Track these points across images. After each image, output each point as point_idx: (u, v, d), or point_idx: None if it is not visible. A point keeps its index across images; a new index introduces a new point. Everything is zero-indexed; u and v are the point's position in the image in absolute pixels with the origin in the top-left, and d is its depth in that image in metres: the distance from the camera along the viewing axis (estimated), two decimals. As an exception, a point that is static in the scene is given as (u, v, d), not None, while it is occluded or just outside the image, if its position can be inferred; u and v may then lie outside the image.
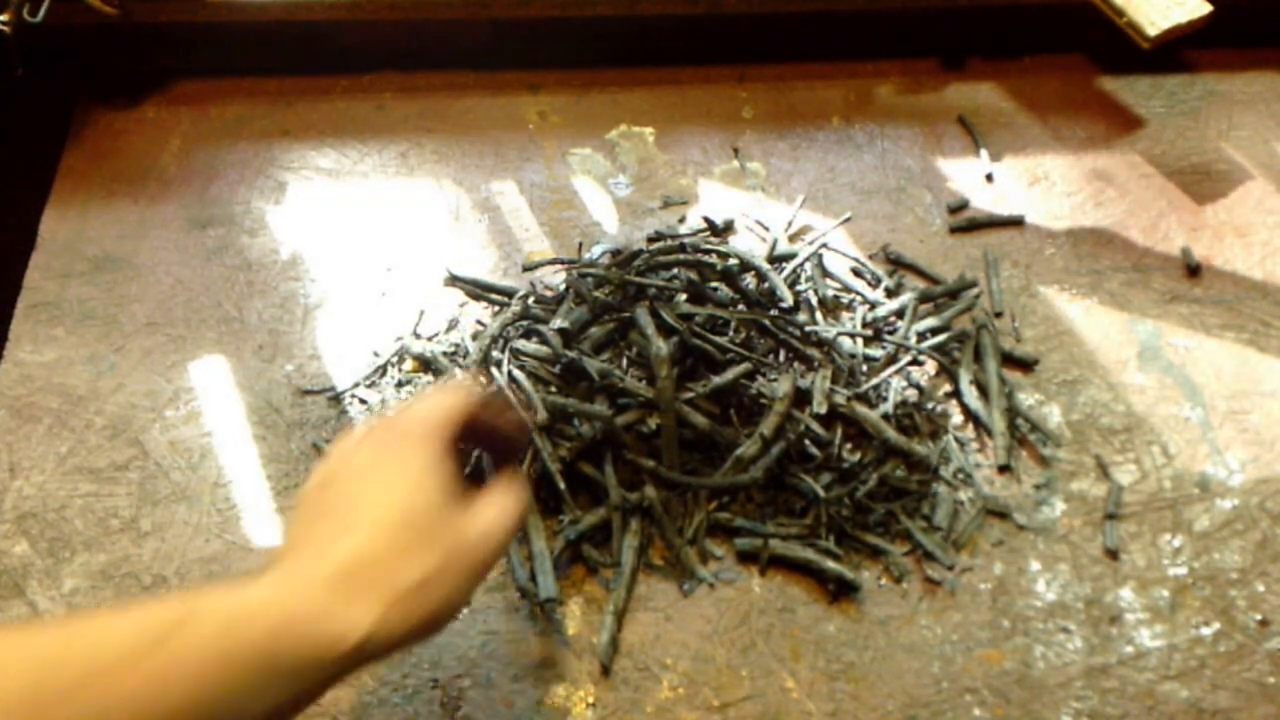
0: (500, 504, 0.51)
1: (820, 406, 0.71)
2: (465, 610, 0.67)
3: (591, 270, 0.79)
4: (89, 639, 0.38)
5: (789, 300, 0.78)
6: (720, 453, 0.71)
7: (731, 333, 0.76)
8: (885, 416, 0.74)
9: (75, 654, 0.37)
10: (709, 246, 0.83)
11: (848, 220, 0.90)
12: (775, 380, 0.74)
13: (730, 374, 0.72)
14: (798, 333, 0.77)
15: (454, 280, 0.84)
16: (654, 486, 0.69)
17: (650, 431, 0.70)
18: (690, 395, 0.71)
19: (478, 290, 0.83)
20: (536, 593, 0.66)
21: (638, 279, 0.76)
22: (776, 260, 0.84)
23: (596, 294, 0.76)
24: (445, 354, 0.78)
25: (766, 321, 0.76)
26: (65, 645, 0.38)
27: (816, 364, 0.75)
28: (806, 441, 0.71)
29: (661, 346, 0.69)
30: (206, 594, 0.42)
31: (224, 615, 0.41)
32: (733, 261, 0.81)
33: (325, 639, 0.42)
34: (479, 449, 0.61)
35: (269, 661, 0.41)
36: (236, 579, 0.47)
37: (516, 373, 0.73)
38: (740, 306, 0.77)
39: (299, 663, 0.41)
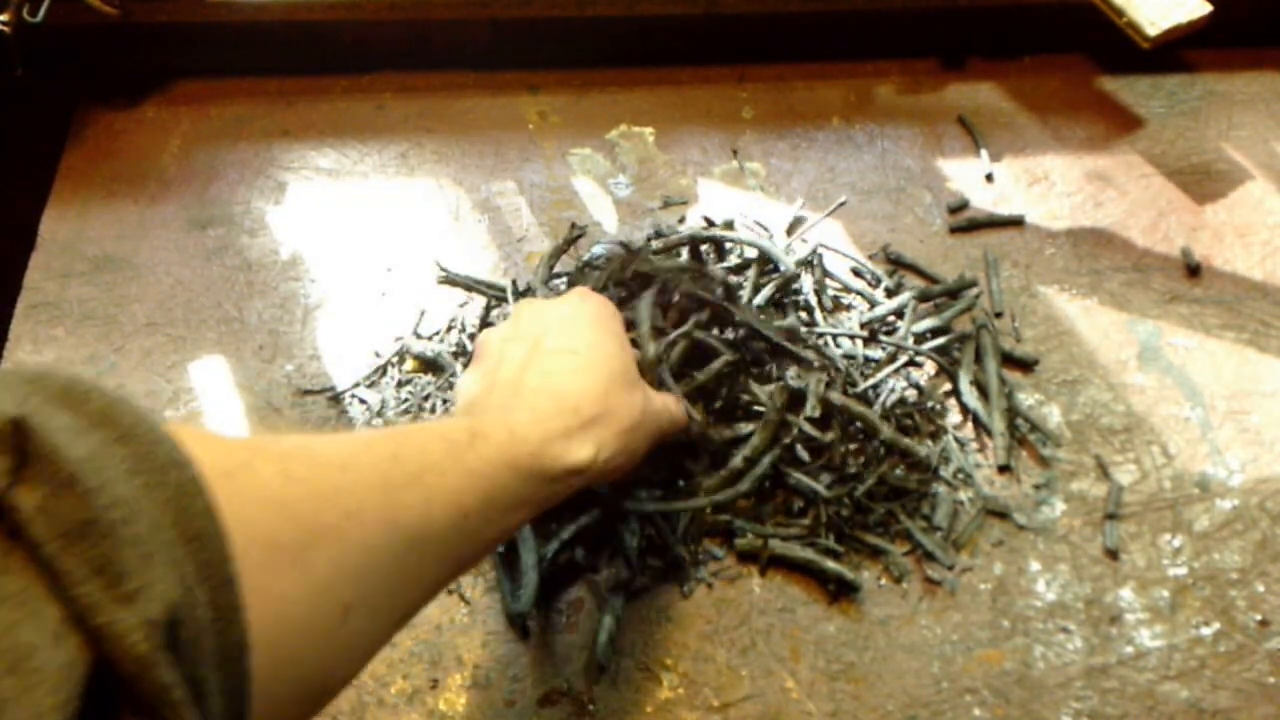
0: (672, 399, 0.65)
1: (814, 410, 0.71)
2: (465, 609, 0.67)
3: (597, 264, 0.78)
4: (417, 444, 0.47)
5: (795, 289, 0.78)
6: (712, 455, 0.71)
7: (729, 330, 0.76)
8: (885, 416, 0.73)
9: (411, 453, 0.46)
10: (717, 235, 0.83)
11: (843, 204, 0.90)
12: (771, 381, 0.74)
13: (715, 365, 0.71)
14: (795, 334, 0.77)
15: (447, 278, 0.84)
16: (646, 488, 0.69)
17: None
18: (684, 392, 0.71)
19: (470, 286, 0.84)
20: (519, 608, 0.66)
21: (644, 268, 0.76)
22: (769, 270, 0.83)
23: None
24: (448, 353, 0.78)
25: (768, 330, 0.76)
26: (401, 445, 0.46)
27: (814, 365, 0.75)
28: (799, 447, 0.71)
29: (649, 349, 0.69)
30: (483, 416, 0.53)
31: (506, 433, 0.51)
32: (734, 260, 0.81)
33: (568, 458, 0.53)
34: None
35: (534, 470, 0.51)
36: (494, 405, 0.55)
37: None
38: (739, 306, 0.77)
39: (553, 474, 0.52)
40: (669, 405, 0.63)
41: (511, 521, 0.51)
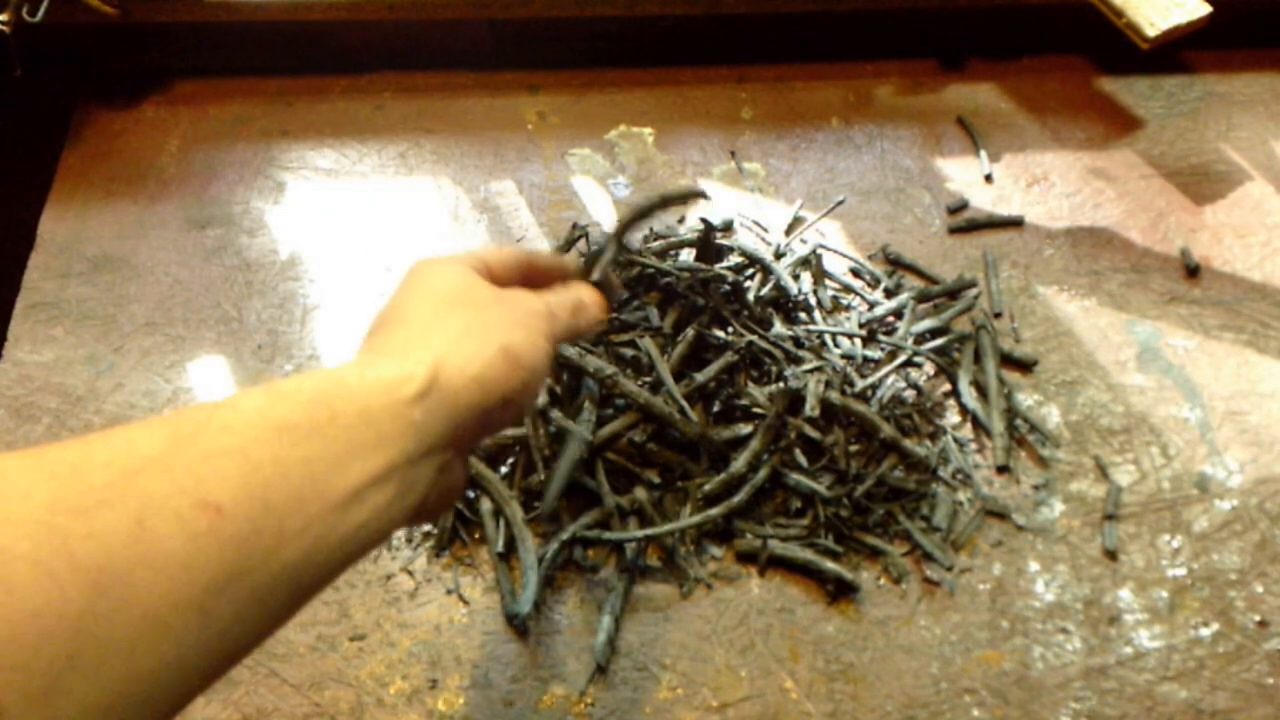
0: (566, 290, 0.52)
1: (813, 410, 0.71)
2: (465, 609, 0.67)
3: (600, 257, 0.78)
4: (113, 446, 0.33)
5: (794, 290, 0.78)
6: (711, 455, 0.71)
7: (729, 331, 0.76)
8: (884, 417, 0.73)
9: (97, 463, 0.32)
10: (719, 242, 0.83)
11: (841, 203, 0.90)
12: (770, 382, 0.74)
13: (713, 368, 0.72)
14: (793, 334, 0.77)
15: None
16: (645, 489, 0.69)
17: (642, 439, 0.70)
18: (683, 394, 0.71)
19: None
20: (519, 608, 0.66)
21: (650, 262, 0.76)
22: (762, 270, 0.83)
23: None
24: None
25: (769, 334, 0.76)
26: (83, 457, 0.32)
27: (813, 366, 0.75)
28: (797, 451, 0.71)
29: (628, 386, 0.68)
30: (237, 392, 0.38)
31: (261, 395, 0.37)
32: (736, 261, 0.81)
33: (376, 386, 0.39)
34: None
35: (321, 423, 0.36)
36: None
37: None
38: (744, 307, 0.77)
39: (358, 418, 0.37)
40: (561, 296, 0.50)
41: (330, 500, 0.36)
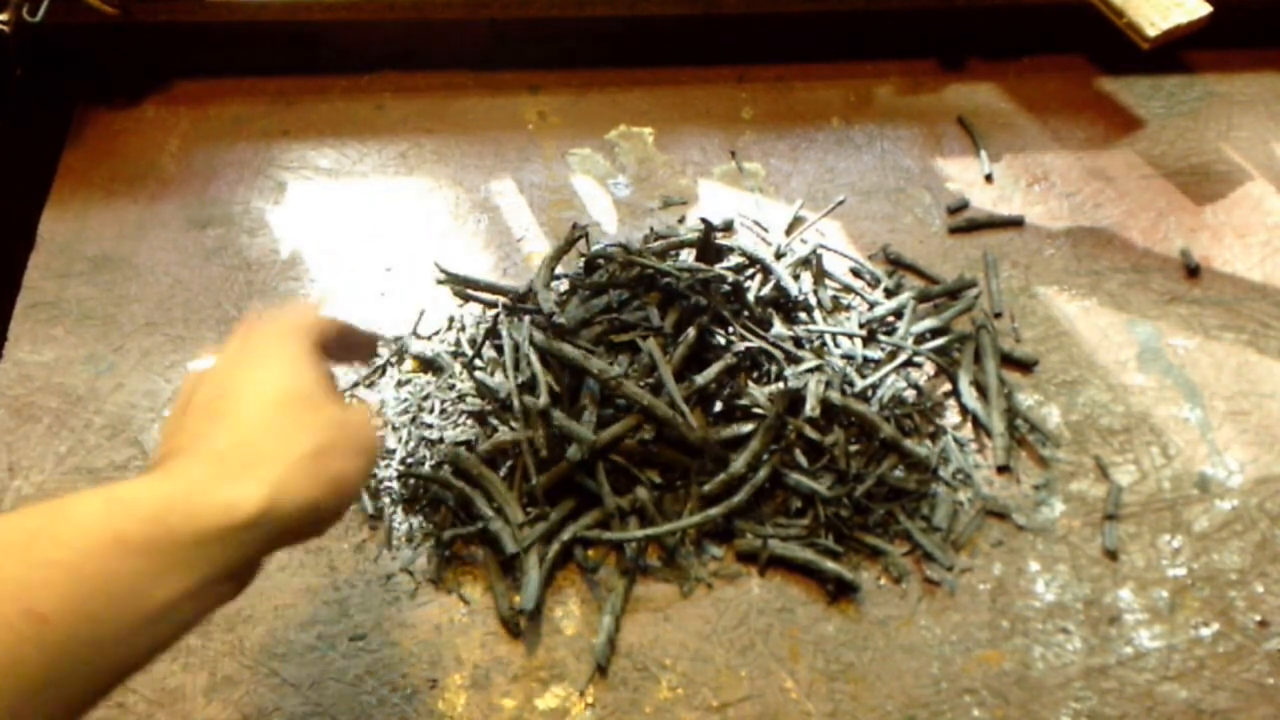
0: (363, 409, 0.51)
1: (813, 410, 0.71)
2: (465, 609, 0.67)
3: (603, 253, 0.79)
4: None
5: (794, 290, 0.78)
6: (712, 458, 0.71)
7: (729, 333, 0.76)
8: (885, 417, 0.73)
9: None
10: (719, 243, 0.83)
11: (841, 203, 0.90)
12: (770, 382, 0.74)
13: (713, 370, 0.72)
14: (793, 334, 0.77)
15: (446, 279, 0.84)
16: (646, 489, 0.69)
17: (646, 439, 0.70)
18: (684, 396, 0.71)
19: (469, 288, 0.84)
20: (519, 608, 0.66)
21: (650, 262, 0.76)
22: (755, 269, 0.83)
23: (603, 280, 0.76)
24: (447, 353, 0.78)
25: (769, 336, 0.76)
26: None
27: (813, 366, 0.75)
28: (797, 451, 0.71)
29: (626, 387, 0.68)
30: (77, 495, 0.39)
31: (101, 503, 0.38)
32: (736, 261, 0.81)
33: (215, 509, 0.39)
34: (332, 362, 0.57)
35: (156, 539, 0.38)
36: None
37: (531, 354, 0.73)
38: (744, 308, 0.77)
39: (192, 537, 0.39)
40: (367, 417, 0.50)
41: (146, 612, 0.37)
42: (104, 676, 0.37)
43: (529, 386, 0.72)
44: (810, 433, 0.72)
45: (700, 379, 0.71)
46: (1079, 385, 0.80)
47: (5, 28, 0.85)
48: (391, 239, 0.88)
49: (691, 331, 0.73)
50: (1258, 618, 0.68)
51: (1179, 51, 1.03)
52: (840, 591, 0.68)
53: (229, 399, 0.45)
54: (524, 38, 1.00)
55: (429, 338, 0.81)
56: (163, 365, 0.79)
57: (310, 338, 0.49)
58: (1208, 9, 0.92)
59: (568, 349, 0.71)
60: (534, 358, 0.72)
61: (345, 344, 0.54)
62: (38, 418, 0.76)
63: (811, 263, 0.83)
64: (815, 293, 0.82)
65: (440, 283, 0.85)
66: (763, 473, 0.70)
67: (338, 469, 0.44)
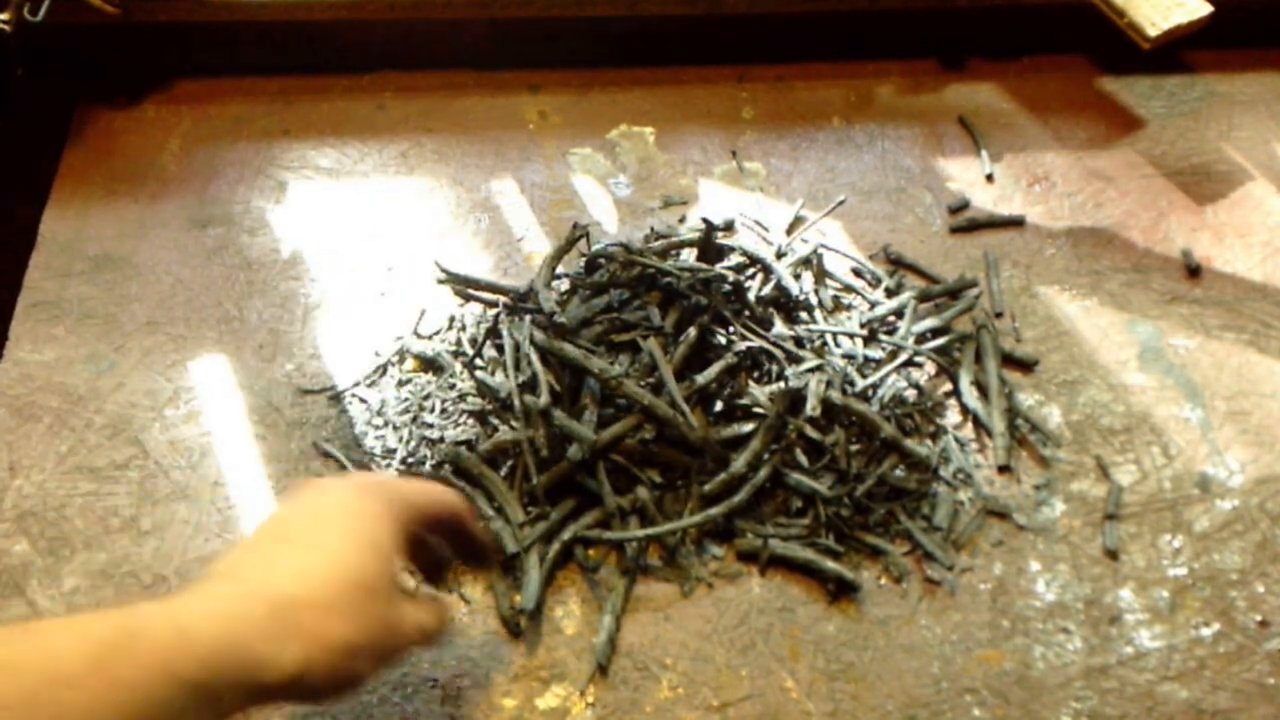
0: (432, 611, 0.53)
1: (814, 410, 0.71)
2: (466, 608, 0.67)
3: (604, 253, 0.79)
4: (46, 650, 0.39)
5: (795, 290, 0.78)
6: (713, 458, 0.71)
7: (730, 333, 0.76)
8: (886, 416, 0.74)
9: (33, 664, 0.38)
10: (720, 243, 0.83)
11: (842, 203, 0.90)
12: (771, 381, 0.74)
13: (713, 370, 0.72)
14: (794, 334, 0.77)
15: (447, 279, 0.84)
16: (647, 488, 0.69)
17: (647, 439, 0.70)
18: (684, 396, 0.71)
19: (469, 288, 0.84)
20: (520, 608, 0.66)
21: (651, 262, 0.76)
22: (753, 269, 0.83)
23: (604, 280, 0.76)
24: (447, 352, 0.78)
25: (769, 335, 0.76)
26: (23, 655, 0.38)
27: (813, 366, 0.75)
28: (798, 451, 0.71)
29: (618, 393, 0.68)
30: (150, 610, 0.43)
31: (172, 634, 0.42)
32: (737, 260, 0.81)
33: (256, 668, 0.43)
34: (444, 542, 0.59)
35: (207, 681, 0.41)
36: (182, 591, 0.46)
37: (532, 355, 0.73)
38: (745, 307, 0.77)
39: (231, 686, 0.42)
40: (423, 618, 0.52)
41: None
42: None
43: (529, 386, 0.72)
44: (811, 432, 0.72)
45: (701, 379, 0.71)
46: (1080, 385, 0.80)
47: (6, 27, 0.85)
48: (392, 238, 0.88)
49: (692, 331, 0.73)
50: (1258, 618, 0.68)
51: (1180, 51, 1.03)
52: (841, 591, 0.68)
53: (309, 552, 0.48)
54: (524, 37, 1.00)
55: (430, 337, 0.81)
56: (164, 365, 0.79)
57: (414, 519, 0.53)
58: (1208, 9, 0.92)
59: (568, 348, 0.71)
60: (534, 357, 0.72)
61: (454, 532, 0.57)
62: (38, 417, 0.76)
63: (812, 262, 0.83)
64: (816, 292, 0.82)
65: (441, 282, 0.85)
66: (763, 472, 0.70)
67: (357, 669, 0.47)
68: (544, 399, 0.69)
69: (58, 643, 0.40)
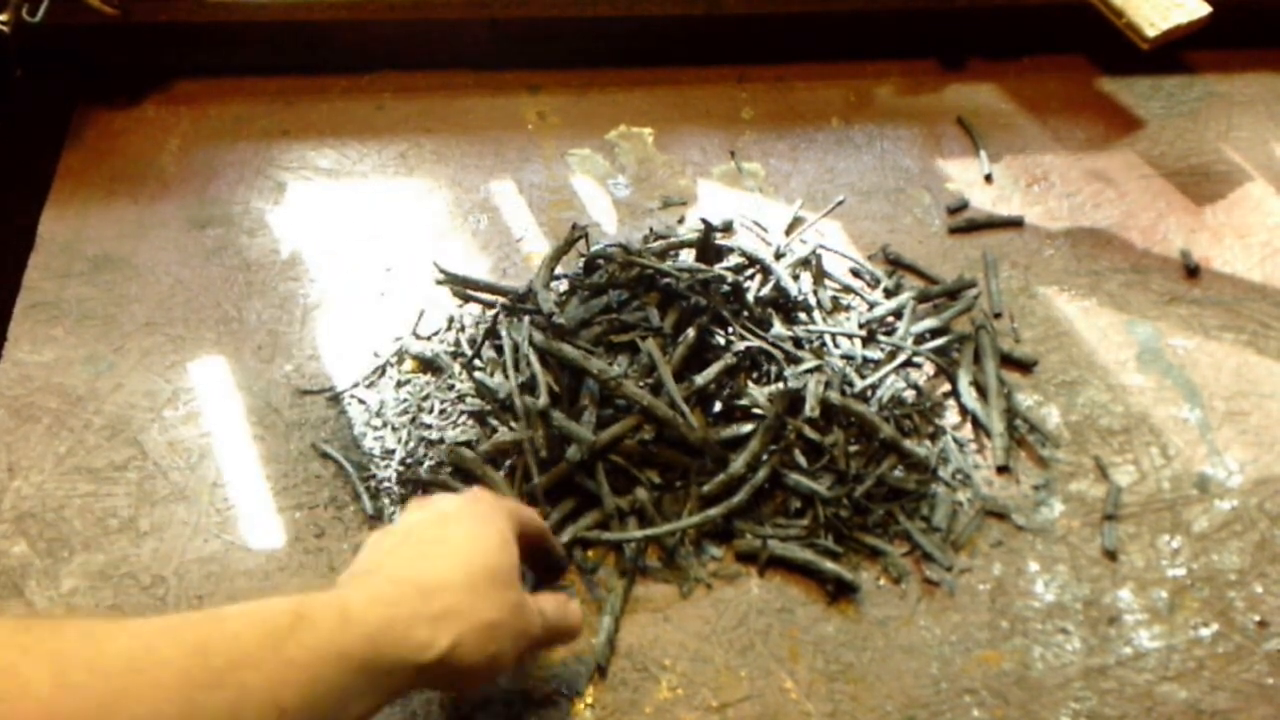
0: (559, 604, 0.58)
1: (813, 411, 0.71)
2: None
3: (603, 254, 0.79)
4: (230, 631, 0.42)
5: (794, 290, 0.78)
6: (712, 458, 0.71)
7: (729, 333, 0.76)
8: (885, 417, 0.74)
9: (219, 645, 0.41)
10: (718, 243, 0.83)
11: (841, 203, 0.90)
12: (770, 382, 0.74)
13: (712, 370, 0.72)
14: (792, 335, 0.77)
15: (446, 277, 0.84)
16: (645, 489, 0.69)
17: (646, 439, 0.70)
18: (684, 396, 0.71)
19: (468, 288, 0.83)
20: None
21: (650, 263, 0.76)
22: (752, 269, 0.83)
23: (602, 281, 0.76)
24: (446, 353, 0.78)
25: (768, 335, 0.76)
26: (209, 637, 0.41)
27: (812, 366, 0.75)
28: (797, 451, 0.71)
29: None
30: (316, 597, 0.46)
31: (336, 615, 0.45)
32: (735, 260, 0.81)
33: (414, 647, 0.47)
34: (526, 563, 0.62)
35: (373, 661, 0.45)
36: (333, 583, 0.51)
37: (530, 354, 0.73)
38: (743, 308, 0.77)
39: (391, 665, 0.46)
40: (553, 611, 0.57)
41: (346, 718, 0.45)
42: None
43: (529, 387, 0.72)
44: (810, 433, 0.72)
45: (700, 379, 0.71)
46: (1078, 385, 0.80)
47: (5, 28, 0.85)
48: (391, 239, 0.88)
49: (691, 332, 0.73)
50: (1257, 618, 0.68)
51: (1179, 52, 1.03)
52: (840, 592, 0.68)
53: (445, 545, 0.52)
54: (524, 37, 1.00)
55: (428, 338, 0.81)
56: (163, 365, 0.79)
57: (520, 529, 0.57)
58: (1207, 9, 0.92)
59: (567, 349, 0.71)
60: (534, 358, 0.72)
61: (536, 549, 0.61)
62: (37, 418, 0.76)
63: (811, 263, 0.84)
64: (815, 293, 0.82)
65: (440, 283, 0.85)
66: (762, 473, 0.70)
67: (499, 647, 0.51)
68: (543, 400, 0.69)
69: (239, 627, 0.43)
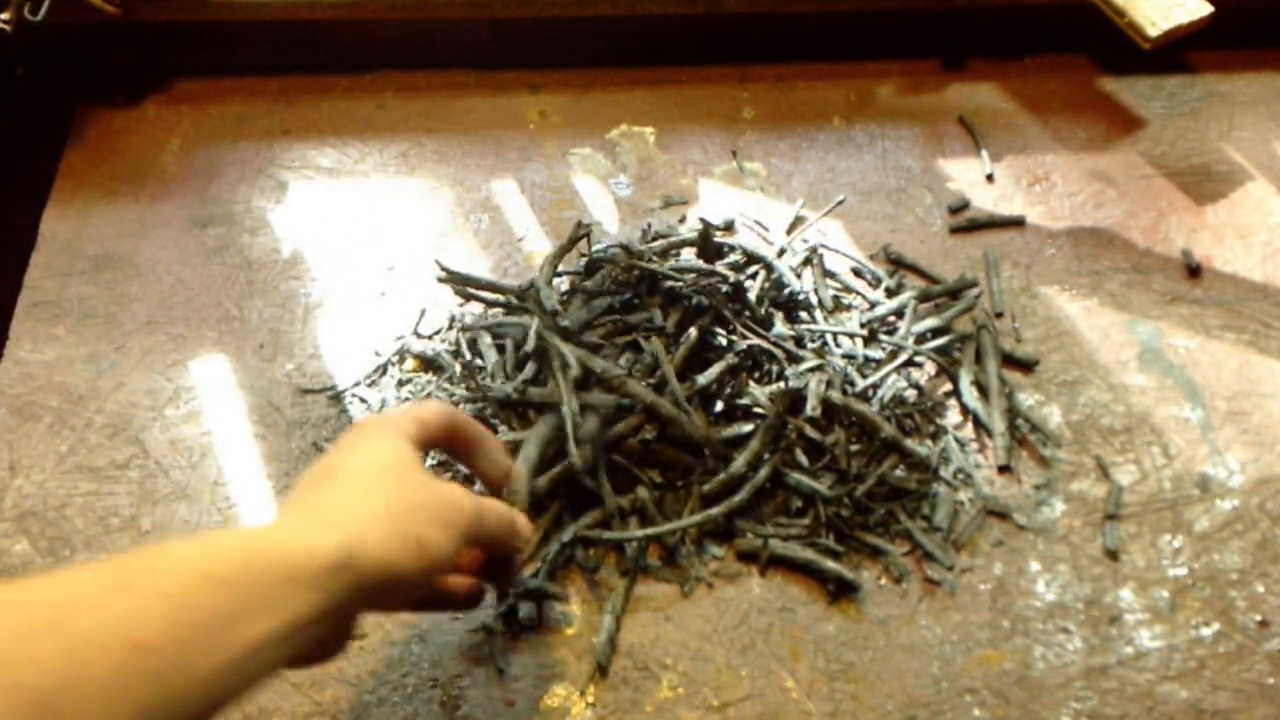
0: (490, 502, 0.54)
1: (814, 410, 0.71)
2: (448, 612, 0.67)
3: (604, 257, 0.79)
4: (57, 582, 0.38)
5: (795, 287, 0.78)
6: (714, 456, 0.71)
7: (730, 333, 0.76)
8: (886, 417, 0.74)
9: (41, 597, 0.37)
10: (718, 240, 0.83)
11: (841, 203, 0.90)
12: (772, 381, 0.74)
13: (714, 370, 0.72)
14: (794, 335, 0.77)
15: (448, 276, 0.84)
16: (647, 488, 0.69)
17: (649, 438, 0.70)
18: (687, 395, 0.71)
19: (469, 287, 0.83)
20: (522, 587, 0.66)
21: (651, 265, 0.76)
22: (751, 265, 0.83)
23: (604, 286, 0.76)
24: (447, 352, 0.78)
25: (769, 334, 0.76)
26: (29, 590, 0.38)
27: (813, 366, 0.75)
28: (798, 451, 0.71)
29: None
30: (174, 540, 0.43)
31: (196, 545, 0.42)
32: (736, 258, 0.81)
33: (296, 553, 0.42)
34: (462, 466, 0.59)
35: (245, 579, 0.41)
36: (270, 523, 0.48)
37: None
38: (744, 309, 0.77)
39: (275, 578, 0.41)
40: (492, 502, 0.54)
41: (238, 647, 0.39)
42: (201, 711, 0.39)
43: (529, 387, 0.72)
44: (811, 432, 0.72)
45: (702, 379, 0.71)
46: (1080, 385, 0.80)
47: (6, 27, 0.85)
48: (392, 238, 0.88)
49: (693, 332, 0.73)
50: (1258, 618, 0.68)
51: (1180, 51, 1.03)
52: (841, 591, 0.68)
53: (330, 471, 0.49)
54: (525, 37, 1.00)
55: (430, 337, 0.81)
56: (164, 364, 0.79)
57: (421, 428, 0.53)
58: (1209, 9, 0.92)
59: (571, 349, 0.71)
60: (554, 340, 0.71)
61: (456, 437, 0.57)
62: (39, 417, 0.76)
63: (812, 262, 0.84)
64: (816, 292, 0.82)
65: (441, 281, 0.85)
66: (763, 472, 0.70)
67: (417, 532, 0.47)
68: (574, 372, 0.69)
69: (79, 573, 0.39)
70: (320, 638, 0.44)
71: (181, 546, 0.41)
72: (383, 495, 0.47)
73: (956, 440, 0.75)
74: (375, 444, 0.50)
